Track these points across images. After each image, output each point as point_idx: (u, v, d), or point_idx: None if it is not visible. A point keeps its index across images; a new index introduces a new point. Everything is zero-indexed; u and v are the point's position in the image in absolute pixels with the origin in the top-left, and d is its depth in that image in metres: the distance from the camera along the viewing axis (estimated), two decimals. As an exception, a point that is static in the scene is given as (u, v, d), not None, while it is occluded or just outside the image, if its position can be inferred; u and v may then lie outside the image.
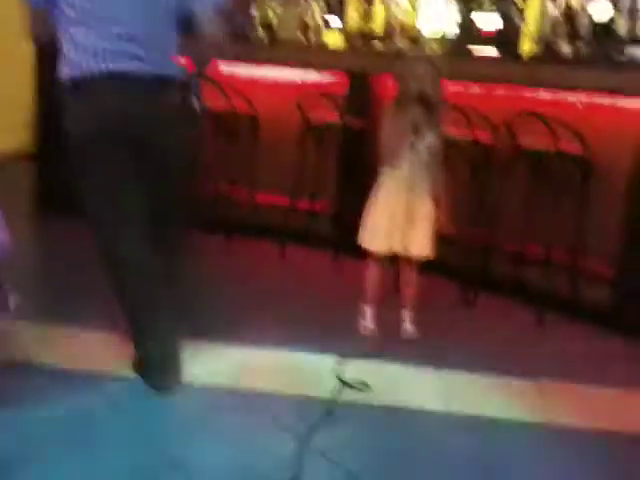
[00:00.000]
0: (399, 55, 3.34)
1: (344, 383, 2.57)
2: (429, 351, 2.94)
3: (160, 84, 2.41)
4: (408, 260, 3.05)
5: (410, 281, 3.12)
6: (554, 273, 3.45)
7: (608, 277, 3.46)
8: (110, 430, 2.20)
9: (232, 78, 4.42)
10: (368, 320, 3.11)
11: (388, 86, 4.30)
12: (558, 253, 3.45)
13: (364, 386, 2.56)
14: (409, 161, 2.93)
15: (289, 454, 2.10)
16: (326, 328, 3.10)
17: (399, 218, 2.95)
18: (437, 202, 2.99)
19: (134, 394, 2.41)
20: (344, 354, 2.78)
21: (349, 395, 2.52)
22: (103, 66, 2.31)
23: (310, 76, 4.47)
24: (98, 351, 2.69)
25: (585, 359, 3.09)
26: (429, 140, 2.93)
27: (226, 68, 4.47)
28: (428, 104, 2.88)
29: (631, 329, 3.29)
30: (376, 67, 4.20)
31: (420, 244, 2.99)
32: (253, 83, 4.53)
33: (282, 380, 2.62)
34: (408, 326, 3.11)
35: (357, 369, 2.69)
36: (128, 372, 2.49)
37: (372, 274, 3.11)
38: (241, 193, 4.41)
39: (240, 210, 4.41)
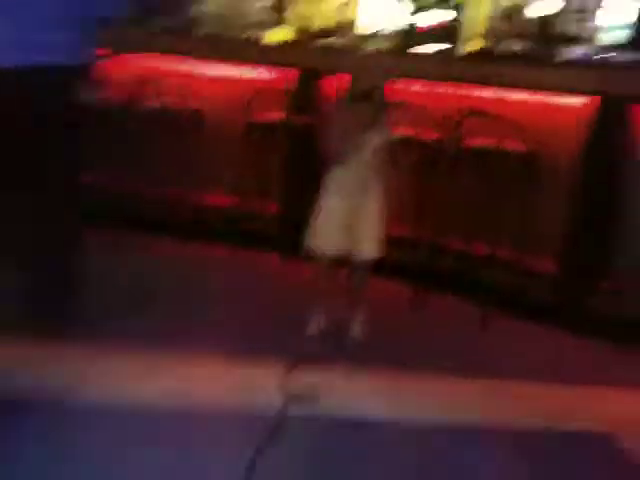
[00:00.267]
0: (347, 52, 3.30)
1: (292, 395, 2.52)
2: (378, 355, 2.92)
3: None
4: (357, 261, 3.01)
5: (359, 282, 3.08)
6: (500, 270, 3.48)
7: (552, 273, 3.50)
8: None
9: (175, 75, 4.31)
10: (316, 325, 3.07)
11: (334, 83, 4.29)
12: (504, 251, 3.48)
13: (313, 397, 2.51)
14: (356, 160, 2.89)
15: (236, 472, 2.03)
16: (275, 335, 3.05)
17: (346, 219, 2.91)
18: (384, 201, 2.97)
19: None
20: (293, 362, 2.73)
21: (297, 407, 2.45)
22: None
23: (256, 73, 4.40)
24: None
25: (532, 356, 3.13)
26: (376, 138, 2.89)
27: (167, 64, 4.38)
28: (375, 102, 2.85)
29: (574, 324, 3.35)
30: (322, 64, 4.16)
31: (369, 245, 2.96)
32: (196, 80, 4.43)
33: (227, 394, 2.54)
34: (357, 329, 3.08)
35: (305, 379, 2.64)
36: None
37: (320, 276, 3.07)
38: (185, 194, 4.31)
39: (185, 212, 4.32)
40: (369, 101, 2.84)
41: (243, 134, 4.00)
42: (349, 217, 2.91)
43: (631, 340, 3.19)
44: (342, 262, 3.07)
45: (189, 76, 4.41)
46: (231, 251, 4.02)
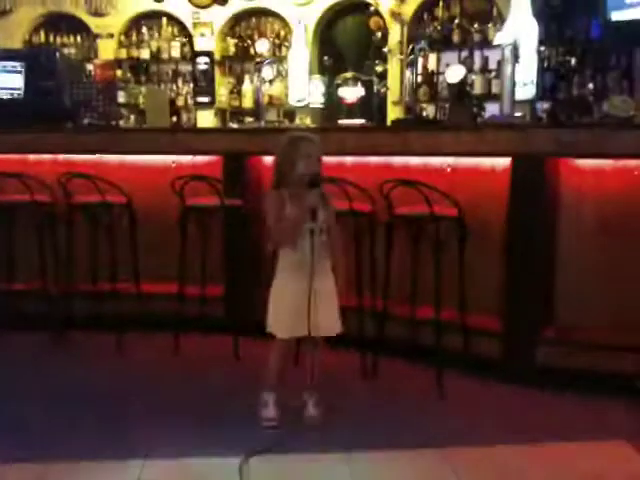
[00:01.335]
0: (278, 135, 3.30)
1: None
2: (334, 436, 2.88)
3: None
4: (313, 340, 2.97)
5: (314, 362, 3.03)
6: (446, 332, 3.52)
7: (496, 330, 3.57)
8: None
9: (102, 168, 4.31)
10: (271, 409, 3.00)
11: (264, 165, 4.36)
12: (448, 312, 3.53)
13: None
14: (308, 242, 2.87)
15: None
16: (229, 423, 2.99)
17: (305, 301, 2.85)
18: (337, 277, 2.99)
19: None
20: (249, 451, 2.67)
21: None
22: None
23: (186, 159, 4.44)
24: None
25: (486, 415, 3.14)
26: (323, 218, 2.89)
27: (94, 158, 4.38)
28: (320, 184, 2.84)
29: (520, 379, 3.40)
30: (251, 146, 4.23)
31: (329, 323, 2.94)
32: (126, 171, 4.44)
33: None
34: (312, 410, 3.03)
35: (263, 467, 2.59)
36: None
37: (277, 360, 3.01)
38: (126, 287, 4.24)
39: (127, 304, 4.24)
40: (316, 184, 2.83)
41: (177, 220, 3.98)
42: (307, 299, 2.86)
43: (578, 389, 3.26)
44: (300, 342, 3.04)
45: (118, 168, 4.42)
46: (179, 338, 3.95)
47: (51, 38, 8.24)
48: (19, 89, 4.70)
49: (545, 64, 5.96)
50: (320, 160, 2.91)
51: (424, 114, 6.40)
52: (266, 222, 2.95)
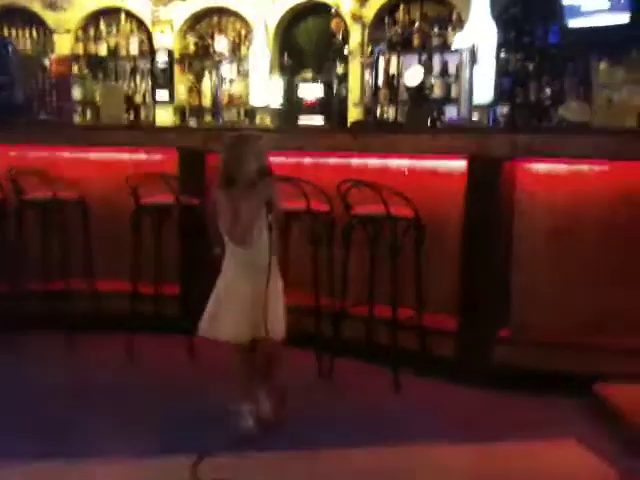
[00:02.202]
0: (227, 134, 3.24)
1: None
2: (288, 435, 2.86)
3: None
4: (265, 341, 2.90)
5: (267, 362, 3.00)
6: (403, 332, 3.53)
7: (453, 330, 3.59)
8: None
9: (55, 164, 4.22)
10: (248, 419, 2.90)
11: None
12: (404, 312, 3.54)
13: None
14: (255, 242, 2.83)
15: None
16: (182, 423, 2.95)
17: (254, 302, 2.81)
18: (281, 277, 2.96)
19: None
20: (204, 451, 2.62)
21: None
22: None
23: (141, 155, 4.37)
24: None
25: (440, 414, 3.16)
26: (270, 217, 2.83)
27: (48, 154, 4.29)
28: (264, 182, 2.80)
29: (476, 378, 3.43)
30: (207, 143, 4.19)
31: (275, 325, 2.88)
32: (79, 167, 4.35)
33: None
34: (266, 410, 2.98)
35: (215, 467, 2.54)
36: None
37: (237, 365, 2.95)
38: (78, 285, 4.15)
39: (80, 303, 4.15)
40: (266, 179, 2.80)
41: (131, 218, 3.91)
42: (257, 300, 2.81)
43: (532, 388, 3.30)
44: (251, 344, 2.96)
45: (71, 165, 4.33)
46: (133, 337, 3.88)
47: (6, 31, 8.04)
48: (-30, 83, 4.58)
49: (504, 69, 6.03)
50: (266, 155, 2.88)
51: (385, 116, 6.42)
52: (215, 224, 2.88)
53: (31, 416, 3.03)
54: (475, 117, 4.79)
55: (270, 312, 2.83)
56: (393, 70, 6.47)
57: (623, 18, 5.13)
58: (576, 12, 5.45)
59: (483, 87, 5.33)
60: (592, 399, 3.14)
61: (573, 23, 5.49)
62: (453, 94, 6.14)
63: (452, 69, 6.29)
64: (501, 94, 5.89)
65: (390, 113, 6.39)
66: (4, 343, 3.92)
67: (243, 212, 2.80)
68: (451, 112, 5.95)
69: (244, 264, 2.88)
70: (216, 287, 2.92)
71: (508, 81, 6.11)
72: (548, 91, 5.90)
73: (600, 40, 5.37)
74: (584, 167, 3.50)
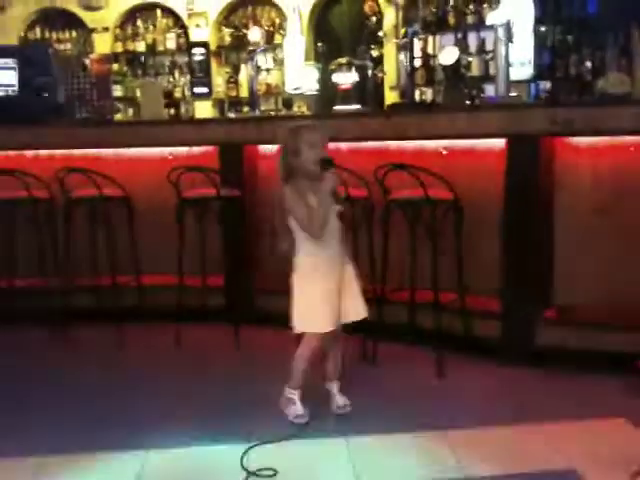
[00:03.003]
0: (273, 124, 3.21)
1: (250, 473, 2.47)
2: (337, 421, 2.91)
3: None
4: (334, 332, 2.90)
5: (337, 350, 3.01)
6: (446, 315, 3.52)
7: (496, 312, 3.56)
8: None
9: (99, 161, 4.31)
10: (299, 406, 2.90)
11: (260, 154, 4.35)
12: (446, 295, 3.53)
13: (271, 474, 2.46)
14: (328, 233, 2.82)
15: None
16: (231, 413, 3.00)
17: (336, 292, 2.85)
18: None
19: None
20: (258, 439, 2.68)
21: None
22: None
23: (182, 150, 4.43)
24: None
25: (486, 397, 3.16)
26: (336, 207, 2.85)
27: (91, 152, 4.39)
28: (333, 165, 2.77)
29: (520, 360, 3.41)
30: (246, 135, 4.23)
31: (356, 308, 2.93)
32: (123, 164, 4.44)
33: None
34: (339, 399, 2.99)
35: (264, 454, 2.60)
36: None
37: (307, 357, 2.91)
38: (126, 280, 4.26)
39: (128, 297, 4.26)
40: (329, 169, 2.76)
41: (175, 211, 3.98)
42: (339, 290, 2.86)
43: (578, 369, 3.26)
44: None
45: (114, 162, 4.42)
46: (179, 329, 3.96)
47: (47, 34, 8.24)
48: (13, 86, 4.70)
49: (542, 43, 5.90)
50: (326, 146, 2.84)
51: (422, 97, 6.37)
52: (281, 220, 2.85)
53: (81, 408, 3.13)
54: (514, 93, 4.70)
55: (349, 297, 2.89)
56: (429, 51, 6.42)
57: (664, -16, 4.96)
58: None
59: (522, 63, 5.25)
60: (637, 377, 3.09)
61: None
62: (492, 72, 6.05)
63: (489, 46, 6.19)
64: (541, 69, 5.77)
65: (428, 94, 6.35)
66: (55, 337, 4.06)
67: (317, 204, 2.78)
68: (490, 90, 5.86)
69: (323, 256, 2.84)
70: (297, 286, 2.87)
71: (548, 55, 5.99)
72: (589, 64, 5.76)
73: (640, 8, 5.20)
74: (627, 139, 3.41)
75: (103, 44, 8.00)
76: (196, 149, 4.39)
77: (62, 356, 3.84)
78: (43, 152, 4.50)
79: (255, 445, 2.66)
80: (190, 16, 7.78)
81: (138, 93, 7.38)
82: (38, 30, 8.28)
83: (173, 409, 3.08)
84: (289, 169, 2.82)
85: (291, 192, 2.80)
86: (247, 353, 3.79)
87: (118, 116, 6.33)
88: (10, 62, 4.66)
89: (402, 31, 6.29)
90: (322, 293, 2.83)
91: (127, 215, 4.25)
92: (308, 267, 2.86)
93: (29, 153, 4.52)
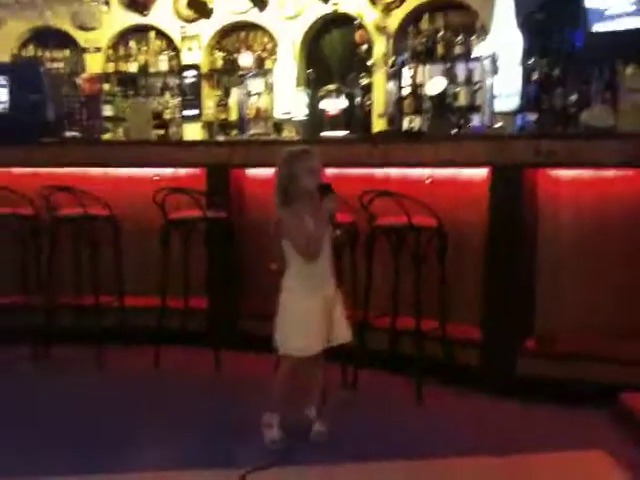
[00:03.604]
0: (261, 148, 3.22)
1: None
2: (313, 448, 2.88)
3: None
4: (316, 357, 2.90)
5: (318, 375, 3.01)
6: (427, 342, 3.52)
7: (477, 341, 3.57)
8: None
9: (85, 180, 4.31)
10: (275, 431, 2.88)
11: (247, 177, 4.37)
12: (428, 322, 3.53)
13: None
14: (327, 251, 2.87)
15: None
16: (209, 436, 2.98)
17: (323, 313, 2.85)
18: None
19: None
20: (248, 467, 2.62)
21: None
22: None
23: (170, 171, 4.44)
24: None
25: (465, 426, 3.14)
26: (328, 229, 2.87)
27: (78, 170, 4.39)
28: (332, 190, 2.79)
29: (500, 389, 3.41)
30: (234, 158, 4.24)
31: (343, 331, 2.94)
32: (109, 184, 4.44)
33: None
34: (318, 425, 2.96)
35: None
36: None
37: (284, 380, 2.90)
38: (109, 300, 4.23)
39: (109, 317, 4.23)
40: (325, 192, 2.78)
41: (160, 233, 3.98)
42: (327, 311, 2.87)
43: (558, 399, 3.26)
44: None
45: (101, 181, 4.42)
46: (159, 351, 3.94)
47: (40, 52, 8.27)
48: (4, 102, 4.71)
49: (529, 75, 5.99)
50: (322, 171, 2.88)
51: (410, 126, 6.43)
52: (277, 241, 2.87)
53: (59, 428, 3.09)
54: (500, 124, 4.77)
55: (336, 320, 2.90)
56: (417, 80, 6.49)
57: (649, 21, 5.06)
58: (601, 16, 5.39)
59: (508, 94, 5.32)
60: (618, 409, 3.09)
61: (597, 27, 5.43)
62: (478, 102, 6.14)
63: (477, 77, 6.29)
64: (528, 100, 5.85)
65: (416, 123, 6.41)
66: (36, 355, 4.02)
67: (314, 228, 2.80)
68: (477, 120, 5.94)
69: (312, 278, 2.86)
70: (282, 304, 2.88)
71: (534, 87, 6.06)
72: (574, 97, 5.84)
73: (626, 44, 5.30)
74: (608, 173, 3.46)
75: (95, 64, 8.04)
76: (182, 170, 4.40)
77: (40, 375, 3.81)
78: (29, 169, 4.50)
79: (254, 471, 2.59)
80: (183, 39, 7.85)
81: (125, 113, 7.42)
82: (31, 48, 8.31)
83: (151, 431, 3.04)
84: (286, 194, 2.84)
85: (288, 216, 2.82)
86: (227, 377, 3.77)
87: (107, 136, 6.34)
88: (1, 79, 4.68)
89: (391, 60, 6.37)
90: (308, 313, 2.83)
91: (112, 235, 4.23)
92: (297, 287, 2.87)
93: (15, 170, 4.51)
